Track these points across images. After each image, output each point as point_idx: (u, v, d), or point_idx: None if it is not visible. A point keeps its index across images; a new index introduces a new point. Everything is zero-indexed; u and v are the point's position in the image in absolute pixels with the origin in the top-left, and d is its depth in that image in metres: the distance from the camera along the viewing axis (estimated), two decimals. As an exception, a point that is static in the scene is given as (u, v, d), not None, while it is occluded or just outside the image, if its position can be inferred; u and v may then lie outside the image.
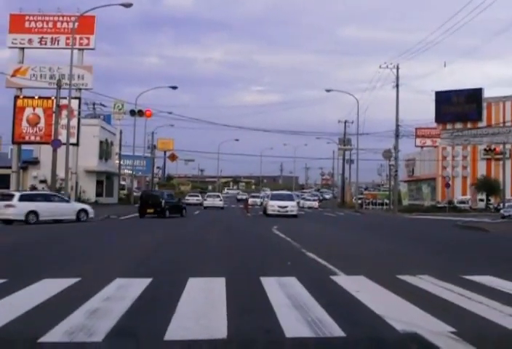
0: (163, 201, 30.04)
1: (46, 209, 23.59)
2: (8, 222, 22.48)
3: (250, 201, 52.63)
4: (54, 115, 30.24)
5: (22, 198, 23.43)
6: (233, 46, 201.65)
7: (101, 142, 48.48)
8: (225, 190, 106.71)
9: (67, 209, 24.79)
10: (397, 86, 46.24)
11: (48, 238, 15.89)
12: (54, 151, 28.88)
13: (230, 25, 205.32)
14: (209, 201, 47.45)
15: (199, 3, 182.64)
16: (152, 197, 30.98)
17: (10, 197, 23.69)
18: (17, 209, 22.69)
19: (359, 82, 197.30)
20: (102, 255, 11.28)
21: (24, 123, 34.96)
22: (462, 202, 54.18)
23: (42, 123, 34.81)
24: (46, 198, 25.24)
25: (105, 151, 50.13)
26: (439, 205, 53.49)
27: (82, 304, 5.67)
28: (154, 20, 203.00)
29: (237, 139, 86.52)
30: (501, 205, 45.43)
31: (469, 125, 63.06)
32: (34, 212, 23.12)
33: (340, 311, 5.56)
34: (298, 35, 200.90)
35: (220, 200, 47.80)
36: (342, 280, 7.71)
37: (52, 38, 36.44)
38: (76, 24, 33.23)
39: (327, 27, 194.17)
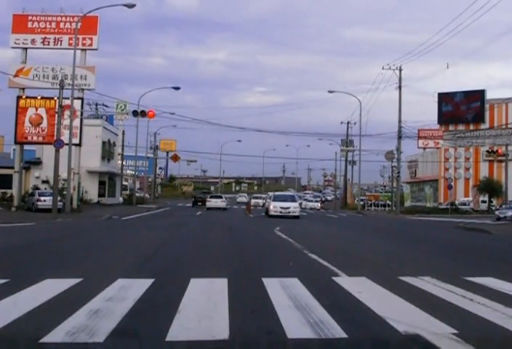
0: None
1: (227, 203, 45.86)
2: (222, 209, 42.42)
3: (252, 201, 52.81)
4: (56, 115, 30.26)
5: (224, 197, 46.78)
6: (236, 47, 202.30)
7: (104, 143, 48.55)
8: (290, 190, 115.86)
9: (226, 203, 46.04)
10: (400, 87, 46.10)
11: (56, 237, 15.92)
12: (57, 151, 28.90)
13: (234, 26, 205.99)
14: (239, 199, 73.42)
15: (203, 4, 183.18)
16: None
17: (220, 197, 46.61)
18: (225, 203, 44.77)
19: (362, 83, 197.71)
20: (105, 255, 11.28)
21: (26, 124, 34.89)
22: (464, 204, 54.04)
23: (45, 124, 34.77)
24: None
25: (107, 152, 50.18)
26: (441, 206, 53.43)
27: (84, 304, 5.67)
28: (158, 21, 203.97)
29: (239, 140, 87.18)
30: (503, 206, 45.24)
31: (472, 127, 63.02)
32: (229, 205, 43.79)
33: (341, 312, 5.56)
34: (302, 37, 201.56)
35: (245, 198, 71.47)
36: (344, 281, 7.71)
37: (54, 39, 36.39)
38: (79, 24, 33.27)
39: (331, 28, 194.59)
